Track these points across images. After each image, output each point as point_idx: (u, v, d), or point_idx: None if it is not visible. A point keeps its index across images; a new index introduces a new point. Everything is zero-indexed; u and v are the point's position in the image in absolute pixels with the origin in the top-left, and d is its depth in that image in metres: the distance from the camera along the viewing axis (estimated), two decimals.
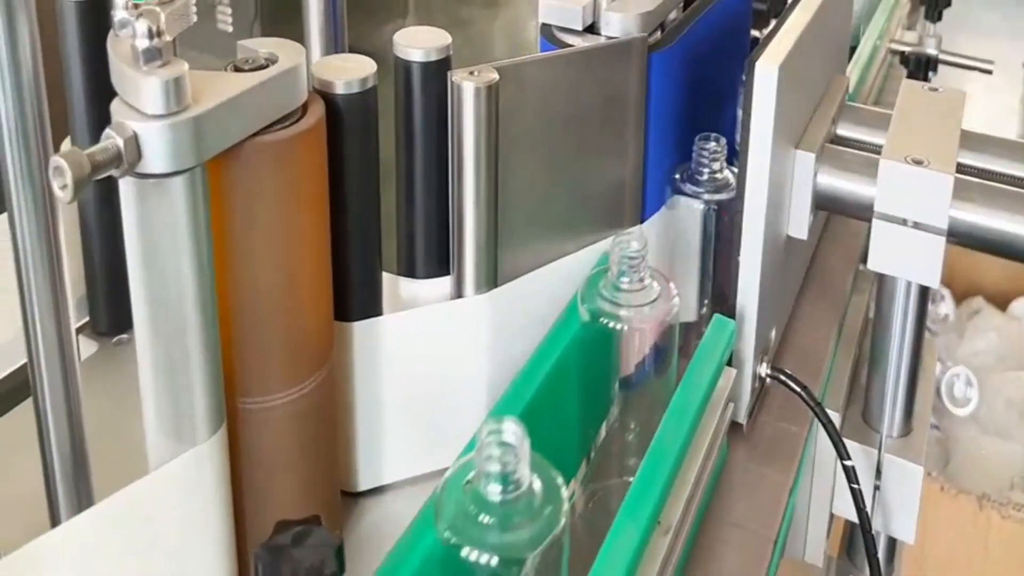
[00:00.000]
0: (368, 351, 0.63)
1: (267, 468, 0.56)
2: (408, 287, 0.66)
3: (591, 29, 0.74)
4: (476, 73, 0.62)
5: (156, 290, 0.50)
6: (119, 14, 0.51)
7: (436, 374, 0.65)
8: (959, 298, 2.04)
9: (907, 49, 1.17)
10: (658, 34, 0.76)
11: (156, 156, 0.47)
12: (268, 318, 0.55)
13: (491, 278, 0.66)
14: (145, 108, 0.47)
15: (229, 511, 0.54)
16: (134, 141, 0.46)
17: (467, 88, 0.61)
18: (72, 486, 0.56)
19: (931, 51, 1.18)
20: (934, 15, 1.31)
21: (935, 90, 0.86)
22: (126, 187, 0.48)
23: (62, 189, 0.44)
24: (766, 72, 0.67)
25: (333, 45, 0.79)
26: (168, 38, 0.48)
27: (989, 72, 1.32)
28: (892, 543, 0.86)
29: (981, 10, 3.35)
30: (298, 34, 0.71)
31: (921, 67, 1.15)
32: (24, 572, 0.48)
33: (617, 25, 0.72)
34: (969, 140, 0.83)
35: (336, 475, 0.63)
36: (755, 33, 1.00)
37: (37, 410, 0.55)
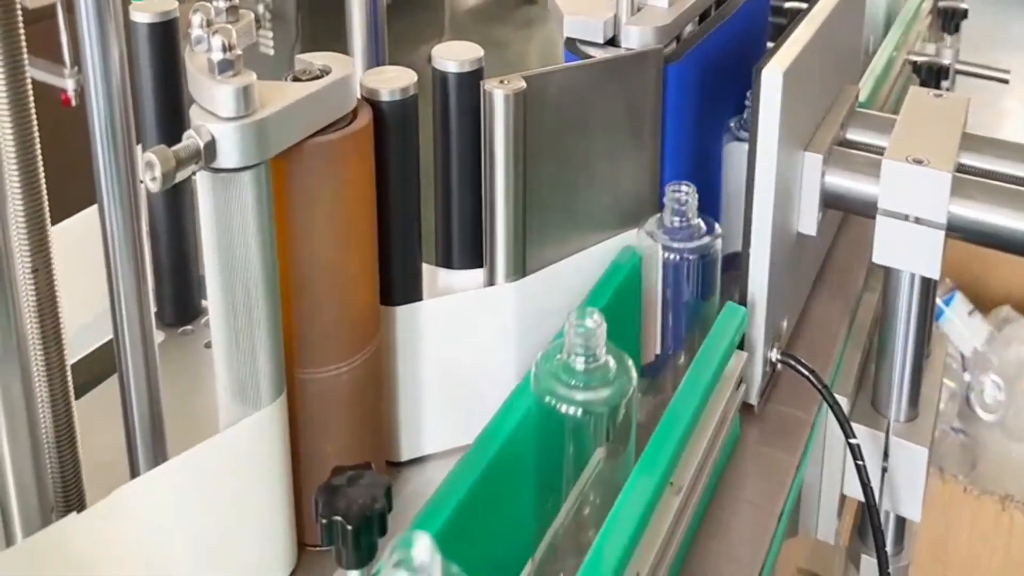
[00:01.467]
0: (409, 333, 0.70)
1: (320, 431, 0.64)
2: (445, 276, 0.73)
3: (611, 42, 0.81)
4: (506, 82, 0.70)
5: (227, 272, 0.58)
6: (195, 32, 0.59)
7: (470, 355, 0.72)
8: (988, 308, 2.08)
9: (920, 59, 1.23)
10: (674, 45, 0.83)
11: (228, 153, 0.55)
12: (322, 299, 0.63)
13: (520, 268, 0.73)
14: (219, 112, 0.55)
15: (287, 467, 0.62)
16: (211, 140, 0.54)
17: (498, 95, 0.69)
18: (150, 449, 0.64)
19: (943, 61, 1.24)
20: (951, 27, 1.36)
21: (940, 96, 0.92)
22: (202, 180, 0.56)
23: (152, 181, 0.52)
24: (771, 78, 0.74)
25: (375, 63, 0.87)
26: (239, 51, 0.56)
27: (1006, 81, 1.38)
28: (901, 523, 0.91)
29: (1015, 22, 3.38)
30: None
31: (932, 76, 1.21)
32: (111, 514, 0.55)
33: (635, 38, 0.80)
34: (972, 142, 0.89)
35: (382, 443, 0.70)
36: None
37: (121, 380, 0.63)
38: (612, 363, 0.58)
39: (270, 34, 3.14)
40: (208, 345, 0.84)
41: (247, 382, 0.59)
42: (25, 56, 0.58)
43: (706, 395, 0.68)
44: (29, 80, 0.59)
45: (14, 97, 0.57)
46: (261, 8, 3.01)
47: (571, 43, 0.82)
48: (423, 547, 0.42)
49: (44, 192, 0.59)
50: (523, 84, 0.70)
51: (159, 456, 0.64)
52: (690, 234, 0.76)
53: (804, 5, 0.94)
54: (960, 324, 2.01)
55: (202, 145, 0.54)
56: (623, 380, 0.58)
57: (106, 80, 0.58)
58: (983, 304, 2.10)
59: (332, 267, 0.63)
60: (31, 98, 0.58)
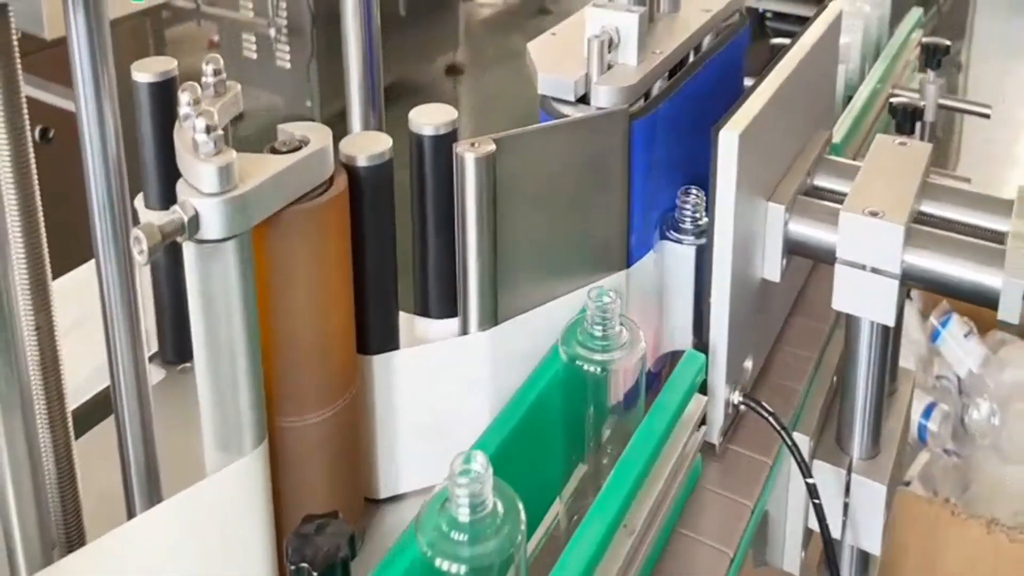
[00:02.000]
0: (385, 380, 0.75)
1: (300, 475, 0.69)
2: (423, 325, 0.79)
3: (583, 99, 0.86)
4: (476, 145, 0.75)
5: (212, 331, 0.63)
6: (183, 109, 0.65)
7: (444, 400, 0.77)
8: (984, 330, 2.11)
9: (896, 100, 1.27)
10: (642, 102, 0.88)
11: (212, 226, 0.61)
12: (301, 353, 0.68)
13: (491, 318, 0.78)
14: (203, 188, 0.61)
15: (270, 509, 0.67)
16: (194, 215, 0.60)
17: (468, 158, 0.74)
18: (145, 488, 0.69)
19: (919, 102, 1.28)
20: (933, 63, 1.41)
21: (904, 144, 0.97)
22: (188, 250, 0.62)
23: (139, 254, 0.58)
24: (728, 139, 0.79)
25: (371, 87, 0.91)
26: (220, 132, 0.62)
27: (987, 116, 1.41)
28: (864, 556, 0.96)
29: None
30: None
31: (908, 118, 1.25)
32: (107, 553, 0.61)
33: (604, 97, 0.85)
34: (932, 191, 0.93)
35: (360, 483, 0.75)
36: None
37: (118, 425, 0.68)
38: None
39: (287, 48, 3.22)
40: None
41: (230, 432, 0.65)
42: (27, 126, 0.64)
43: (662, 439, 0.73)
44: (31, 148, 0.65)
45: (17, 164, 0.63)
46: (277, 25, 3.08)
47: (545, 100, 0.87)
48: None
49: (46, 256, 0.65)
50: (492, 147, 0.75)
51: (154, 495, 0.69)
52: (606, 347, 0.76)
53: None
54: (956, 346, 2.04)
55: (186, 220, 0.60)
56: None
57: (103, 148, 0.64)
58: (981, 326, 2.13)
59: (311, 323, 0.68)
60: (32, 165, 0.64)
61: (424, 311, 0.79)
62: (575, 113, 0.85)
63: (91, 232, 0.66)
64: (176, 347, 0.94)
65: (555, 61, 0.89)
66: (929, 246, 0.84)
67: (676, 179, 0.91)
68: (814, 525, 0.93)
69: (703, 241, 0.88)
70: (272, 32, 3.08)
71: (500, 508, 0.56)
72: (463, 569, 0.54)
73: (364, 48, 0.89)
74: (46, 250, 0.65)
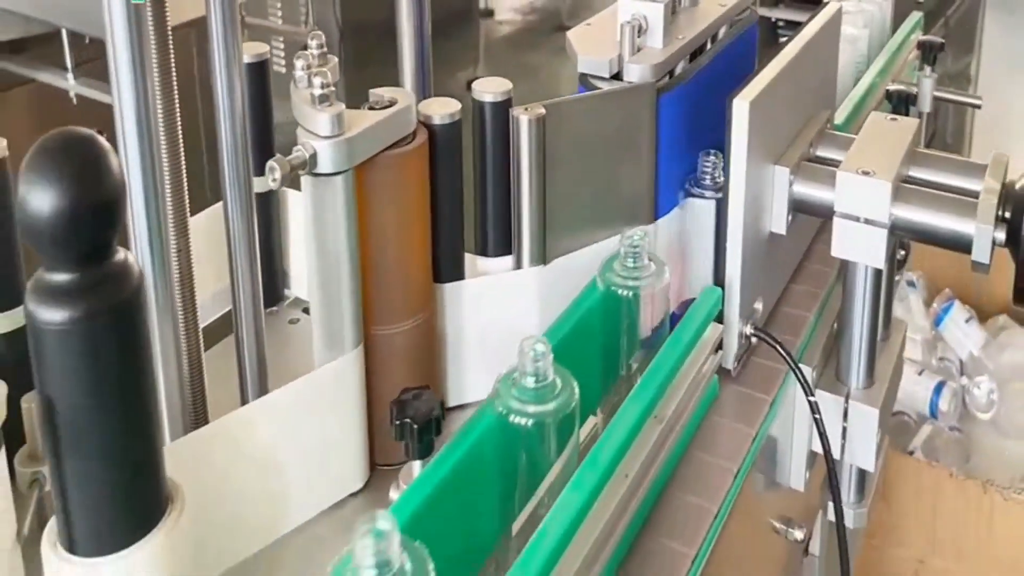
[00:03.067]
0: (453, 305, 0.91)
1: (387, 374, 0.84)
2: (482, 262, 0.94)
3: (616, 76, 1.02)
4: (529, 109, 0.91)
5: (322, 252, 0.79)
6: (298, 73, 0.81)
7: (501, 323, 0.92)
8: (985, 317, 2.25)
9: (892, 88, 1.42)
10: (668, 78, 1.03)
11: (325, 162, 0.76)
12: (390, 274, 0.84)
13: (541, 256, 0.94)
14: (319, 132, 0.76)
15: (363, 401, 0.82)
16: (313, 153, 0.76)
17: (523, 120, 0.90)
18: (257, 390, 0.85)
19: (913, 91, 1.44)
20: (930, 59, 1.56)
21: (895, 120, 1.12)
22: (305, 182, 0.78)
23: (273, 181, 0.74)
24: (740, 107, 0.95)
25: (422, 87, 1.07)
26: (332, 88, 0.77)
27: (978, 107, 1.56)
28: (862, 477, 1.10)
29: None
30: (375, 82, 0.97)
31: (903, 103, 1.40)
32: (229, 433, 0.76)
33: (635, 73, 1.00)
34: (919, 158, 1.08)
35: (433, 389, 0.90)
36: None
37: (236, 337, 0.84)
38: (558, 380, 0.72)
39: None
40: (291, 321, 1.06)
41: (335, 335, 0.80)
42: (175, 82, 0.80)
43: (686, 351, 0.88)
44: (176, 99, 0.80)
45: (167, 120, 0.79)
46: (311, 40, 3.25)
47: (583, 77, 1.02)
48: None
49: (186, 192, 0.81)
50: (543, 111, 0.91)
51: (264, 392, 0.85)
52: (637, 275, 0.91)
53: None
54: (957, 331, 2.18)
55: (307, 156, 0.75)
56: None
57: (231, 107, 0.80)
58: (982, 313, 2.27)
59: (397, 250, 0.84)
60: (177, 116, 0.80)
61: (483, 250, 0.95)
62: (607, 88, 1.01)
63: (221, 178, 0.82)
64: (265, 294, 1.09)
65: (592, 45, 1.04)
66: (913, 201, 0.99)
67: (696, 146, 1.06)
68: (817, 448, 1.08)
69: (721, 195, 1.03)
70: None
71: (559, 382, 0.71)
72: (530, 422, 0.69)
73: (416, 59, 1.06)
74: (186, 186, 0.81)
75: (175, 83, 0.79)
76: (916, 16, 1.81)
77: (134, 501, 0.59)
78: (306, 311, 1.05)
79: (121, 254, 0.58)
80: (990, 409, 2.04)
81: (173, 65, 0.79)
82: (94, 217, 0.56)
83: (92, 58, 1.93)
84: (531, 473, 0.74)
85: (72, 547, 0.59)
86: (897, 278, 1.40)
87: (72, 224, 0.55)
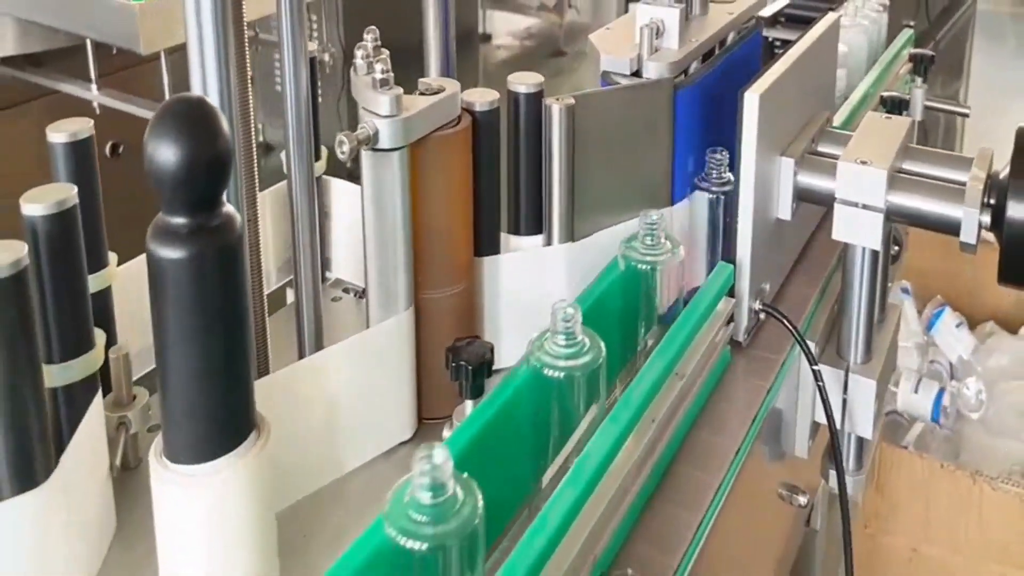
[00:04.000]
0: (490, 276, 1.01)
1: (434, 335, 0.94)
2: (515, 239, 1.04)
3: (636, 74, 1.13)
4: (559, 99, 1.01)
5: (379, 220, 0.89)
6: (359, 62, 0.91)
7: (532, 294, 1.02)
8: (974, 323, 2.36)
9: (886, 94, 1.54)
10: (683, 76, 1.14)
11: (385, 139, 0.87)
12: (437, 244, 0.94)
13: (569, 235, 1.04)
14: (380, 112, 0.87)
15: (413, 358, 0.92)
16: (375, 131, 0.86)
17: (554, 109, 1.00)
18: (314, 346, 0.94)
19: (905, 96, 1.56)
20: (921, 71, 1.68)
21: (889, 118, 1.23)
22: (366, 156, 0.88)
23: (342, 154, 0.84)
24: (751, 99, 1.05)
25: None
26: (391, 74, 0.88)
27: (967, 115, 1.68)
28: (860, 447, 1.20)
29: None
30: None
31: (896, 107, 1.52)
32: (298, 378, 0.85)
33: (654, 70, 1.11)
34: (914, 152, 1.19)
35: None
36: None
37: (297, 304, 0.94)
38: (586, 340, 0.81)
39: (319, 83, 3.49)
40: (334, 299, 1.15)
41: (389, 296, 0.90)
42: (248, 66, 0.90)
43: (702, 318, 0.98)
44: (250, 82, 0.90)
45: (240, 104, 0.89)
46: (325, 56, 3.38)
47: (606, 74, 1.13)
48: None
49: (256, 168, 0.91)
50: (572, 101, 1.01)
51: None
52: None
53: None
54: (948, 335, 2.29)
55: (370, 133, 0.85)
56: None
57: (296, 95, 0.90)
58: (972, 320, 2.39)
59: (443, 223, 0.94)
60: (250, 103, 0.90)
61: (516, 230, 1.05)
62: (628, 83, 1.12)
63: (287, 158, 0.92)
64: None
65: (613, 46, 1.15)
66: (907, 188, 1.10)
67: (708, 139, 1.17)
68: (820, 419, 1.18)
69: (726, 190, 1.13)
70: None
71: (587, 341, 0.81)
72: (561, 375, 0.79)
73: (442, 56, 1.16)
74: (256, 163, 0.91)
75: (249, 75, 0.89)
76: (908, 32, 1.93)
77: (228, 420, 0.69)
78: (347, 291, 1.15)
79: (227, 207, 0.68)
80: (979, 409, 2.15)
81: (248, 59, 0.89)
82: (208, 170, 0.65)
83: (113, 70, 2.02)
84: (562, 424, 0.83)
85: (174, 457, 0.68)
86: (891, 284, 1.49)
87: (190, 175, 0.65)
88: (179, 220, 0.66)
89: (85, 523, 0.75)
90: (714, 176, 1.15)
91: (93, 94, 1.98)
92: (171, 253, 0.65)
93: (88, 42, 1.90)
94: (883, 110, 1.57)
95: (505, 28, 3.83)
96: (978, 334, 2.35)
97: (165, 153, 0.64)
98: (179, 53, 1.83)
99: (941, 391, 2.13)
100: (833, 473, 1.19)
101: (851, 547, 1.17)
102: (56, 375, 0.74)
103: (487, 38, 3.82)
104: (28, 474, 0.67)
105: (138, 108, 2.16)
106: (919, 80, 1.68)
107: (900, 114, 1.53)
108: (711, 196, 1.14)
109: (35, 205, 0.73)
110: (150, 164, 0.65)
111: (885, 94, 1.54)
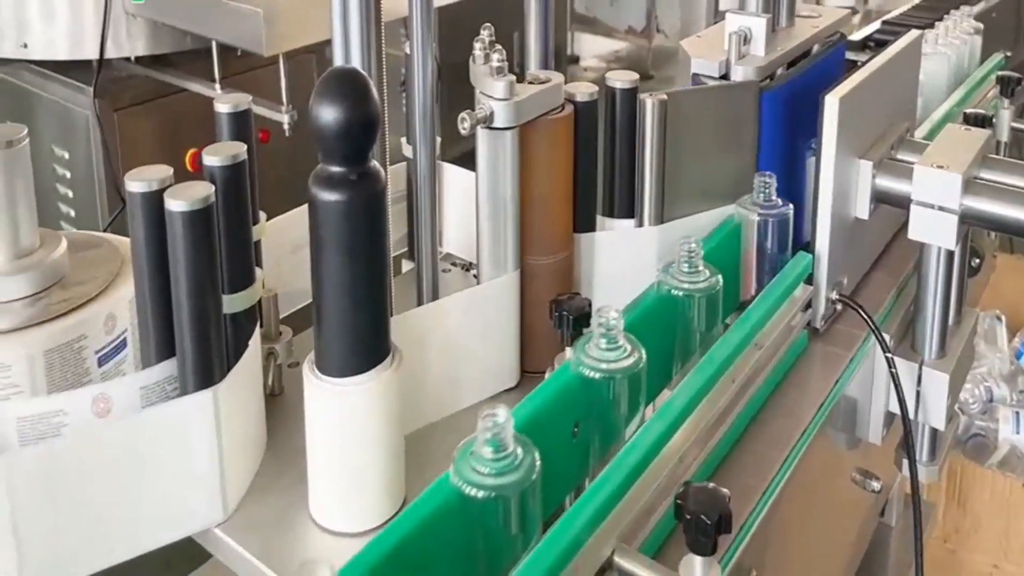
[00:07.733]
0: (587, 251, 1.16)
1: (536, 298, 1.10)
2: (609, 221, 1.19)
3: (724, 77, 1.28)
4: (653, 95, 1.17)
5: (492, 192, 1.05)
6: (477, 53, 1.08)
7: (624, 268, 1.17)
8: (1014, 329, 2.46)
9: (969, 111, 1.66)
10: (769, 80, 1.29)
11: (500, 119, 1.03)
12: (542, 216, 1.09)
13: (659, 218, 1.19)
14: (496, 95, 1.03)
15: (518, 314, 1.08)
16: (491, 112, 1.03)
17: (648, 103, 1.16)
18: (431, 296, 1.11)
19: (989, 114, 1.67)
20: (1008, 92, 1.80)
21: (968, 130, 1.36)
22: (482, 134, 1.04)
23: (464, 129, 1.00)
24: (831, 102, 1.19)
25: None
26: (506, 63, 1.04)
27: None
28: (934, 439, 1.31)
29: None
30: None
31: (979, 124, 1.63)
32: (420, 320, 1.01)
33: (741, 73, 1.26)
34: (990, 162, 1.31)
35: None
36: None
37: (418, 268, 1.10)
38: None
39: None
40: (444, 271, 1.32)
41: (499, 258, 1.06)
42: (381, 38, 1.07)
43: (779, 300, 1.11)
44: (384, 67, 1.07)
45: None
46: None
47: (695, 77, 1.29)
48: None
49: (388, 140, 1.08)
50: (665, 97, 1.16)
51: None
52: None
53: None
54: None
55: (488, 113, 1.02)
56: None
57: (423, 80, 1.07)
58: (1010, 327, 2.48)
59: (549, 198, 1.10)
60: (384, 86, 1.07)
61: (609, 212, 1.20)
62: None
63: (412, 144, 1.09)
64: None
65: (703, 50, 1.31)
66: (983, 193, 1.22)
67: (789, 139, 1.31)
68: (894, 409, 1.29)
69: (771, 214, 1.23)
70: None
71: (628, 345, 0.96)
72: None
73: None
74: (388, 140, 1.07)
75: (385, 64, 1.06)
76: (998, 57, 2.05)
77: (371, 341, 0.85)
78: (455, 264, 1.32)
79: (374, 162, 0.85)
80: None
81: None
82: (362, 127, 0.82)
83: (233, 73, 2.22)
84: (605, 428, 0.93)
85: (325, 370, 0.84)
86: (978, 310, 1.58)
87: (347, 130, 0.82)
88: (336, 169, 0.82)
89: (248, 424, 0.92)
90: (760, 198, 1.22)
91: (216, 93, 2.18)
92: (329, 196, 0.82)
93: (214, 45, 2.10)
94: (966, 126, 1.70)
95: (592, 51, 3.97)
96: (1019, 340, 2.43)
97: (328, 111, 0.81)
98: (295, 59, 2.03)
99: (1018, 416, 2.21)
100: (906, 463, 1.30)
101: (921, 539, 1.28)
102: (226, 303, 0.91)
103: (575, 60, 3.96)
104: (208, 376, 0.84)
105: (257, 107, 2.37)
106: (1006, 101, 1.79)
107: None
108: (759, 220, 1.21)
109: (214, 157, 0.90)
110: (316, 120, 0.82)
111: (969, 111, 1.66)
